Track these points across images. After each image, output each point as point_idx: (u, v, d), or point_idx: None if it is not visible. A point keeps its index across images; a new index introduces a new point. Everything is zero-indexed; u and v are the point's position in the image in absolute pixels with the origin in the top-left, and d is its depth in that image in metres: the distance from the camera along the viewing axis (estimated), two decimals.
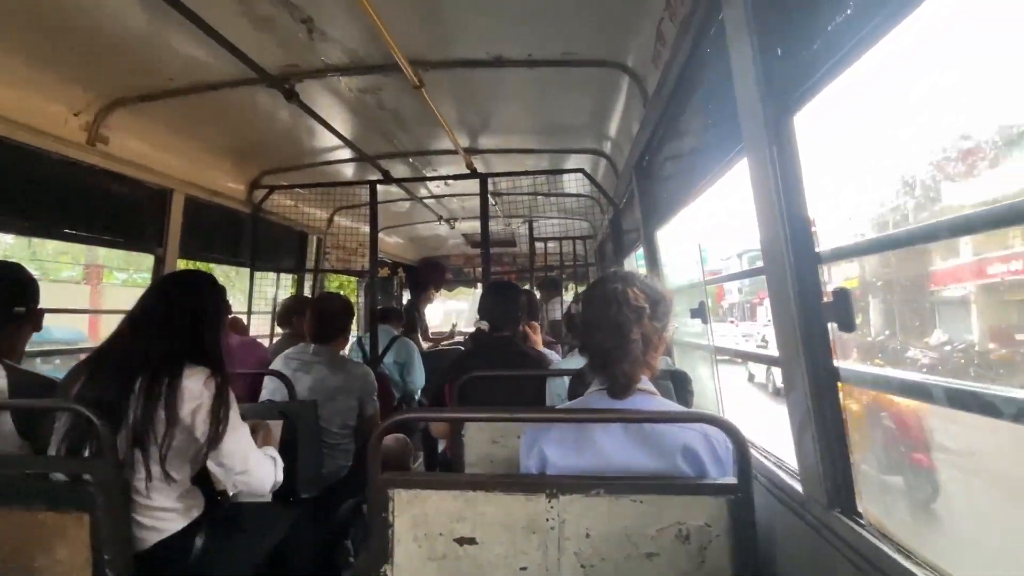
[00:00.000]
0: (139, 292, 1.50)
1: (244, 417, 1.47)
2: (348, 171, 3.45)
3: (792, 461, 1.21)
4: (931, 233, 0.73)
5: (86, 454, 1.26)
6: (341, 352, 2.55)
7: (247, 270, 3.44)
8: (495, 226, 4.52)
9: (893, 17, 0.68)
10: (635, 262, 3.06)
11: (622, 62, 1.95)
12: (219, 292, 1.53)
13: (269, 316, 3.65)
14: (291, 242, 3.99)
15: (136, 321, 1.40)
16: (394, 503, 1.05)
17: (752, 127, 1.11)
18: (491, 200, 3.76)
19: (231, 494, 1.65)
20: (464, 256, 6.16)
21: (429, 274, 5.60)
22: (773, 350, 1.19)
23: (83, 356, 1.47)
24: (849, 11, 0.76)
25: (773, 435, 1.50)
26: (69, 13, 1.59)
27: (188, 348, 1.38)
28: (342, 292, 4.44)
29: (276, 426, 1.89)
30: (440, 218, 4.63)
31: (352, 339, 3.49)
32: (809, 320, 1.00)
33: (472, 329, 4.47)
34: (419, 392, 3.51)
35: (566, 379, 1.83)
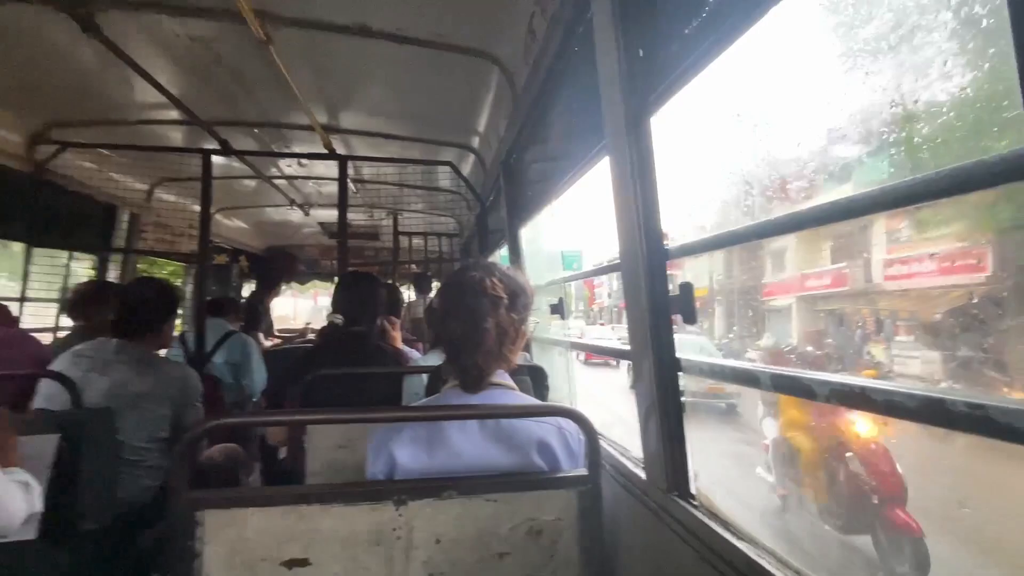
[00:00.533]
0: None
1: None
2: (176, 136, 2.92)
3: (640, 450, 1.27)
4: (760, 231, 0.79)
5: None
6: (159, 351, 2.12)
7: (22, 245, 2.70)
8: (356, 216, 4.23)
9: (743, 22, 0.73)
10: (500, 260, 3.09)
11: (493, 54, 1.92)
12: None
13: (55, 305, 2.92)
14: (93, 215, 3.24)
15: None
16: (204, 527, 0.86)
17: (614, 126, 1.15)
18: (352, 187, 3.50)
19: None
20: (320, 247, 5.64)
21: (277, 265, 5.03)
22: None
23: None
24: (705, 14, 0.80)
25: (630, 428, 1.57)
26: None
27: None
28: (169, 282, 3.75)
29: (49, 440, 1.48)
30: (292, 202, 4.17)
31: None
32: (657, 313, 1.05)
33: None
34: (258, 395, 3.09)
35: (425, 377, 1.74)
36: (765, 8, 0.67)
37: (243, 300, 4.57)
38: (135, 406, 1.83)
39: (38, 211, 2.66)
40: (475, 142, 2.75)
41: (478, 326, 1.01)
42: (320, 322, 5.74)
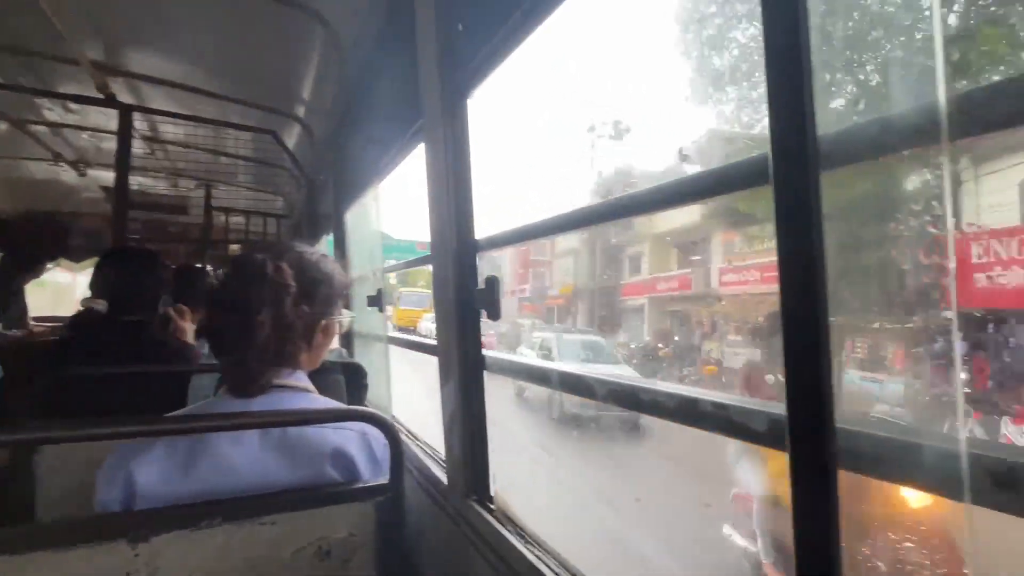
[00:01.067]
0: None
1: None
2: None
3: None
4: (560, 224, 0.77)
5: None
6: None
7: None
8: (156, 184, 3.52)
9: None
10: (328, 246, 2.81)
11: (316, 8, 1.69)
12: None
13: None
14: None
15: None
16: None
17: (432, 105, 1.05)
18: (144, 147, 2.88)
19: None
20: (105, 217, 4.58)
21: (37, 235, 3.92)
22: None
23: None
24: None
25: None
26: None
27: None
28: None
29: None
30: (58, 157, 3.30)
31: None
32: (464, 308, 0.99)
33: None
34: None
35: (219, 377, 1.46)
36: None
37: None
38: None
39: None
40: (301, 111, 2.44)
41: (248, 318, 0.84)
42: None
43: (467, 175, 1.01)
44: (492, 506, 0.96)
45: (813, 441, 0.39)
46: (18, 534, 0.74)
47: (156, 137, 2.96)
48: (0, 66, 2.27)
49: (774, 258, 0.40)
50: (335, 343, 1.79)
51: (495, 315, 0.92)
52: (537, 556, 0.79)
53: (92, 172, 3.58)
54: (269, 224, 4.20)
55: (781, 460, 0.40)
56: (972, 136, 0.31)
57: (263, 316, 0.83)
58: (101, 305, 1.81)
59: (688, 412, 0.55)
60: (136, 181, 3.44)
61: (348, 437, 0.93)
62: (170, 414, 1.06)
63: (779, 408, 0.42)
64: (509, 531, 0.87)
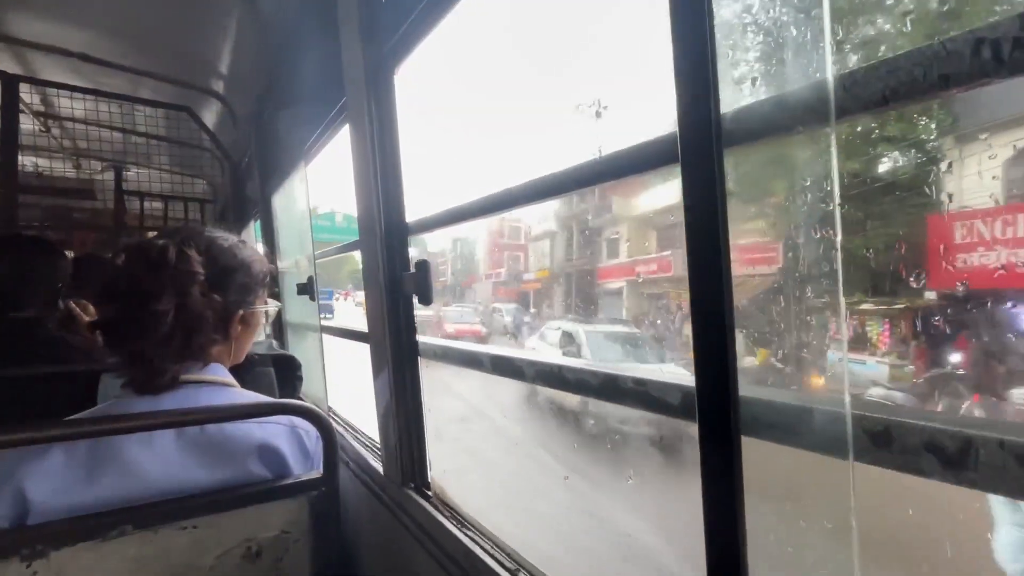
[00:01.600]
0: None
1: None
2: None
3: None
4: (496, 204, 0.75)
5: None
6: None
7: None
8: (55, 165, 3.17)
9: None
10: (255, 233, 2.64)
11: None
12: None
13: None
14: None
15: None
16: None
17: (354, 80, 1.00)
18: (36, 123, 2.58)
19: None
20: None
21: None
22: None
23: None
24: None
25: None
26: None
27: None
28: None
29: None
30: None
31: None
32: (395, 293, 0.96)
33: None
34: None
35: None
36: None
37: None
38: None
39: None
40: (220, 87, 2.26)
41: (146, 307, 0.77)
42: None
43: (395, 154, 0.97)
44: (429, 493, 0.95)
45: (719, 410, 0.40)
46: None
47: (52, 113, 2.65)
48: None
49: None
50: (262, 335, 1.70)
51: (426, 299, 0.90)
52: (472, 539, 0.79)
53: None
54: (192, 209, 3.90)
55: None
56: (853, 114, 0.32)
57: (164, 306, 0.77)
58: None
59: (611, 390, 0.56)
60: (29, 161, 3.08)
61: (275, 432, 0.89)
62: (67, 418, 0.96)
63: (691, 382, 0.44)
64: (445, 517, 0.86)
